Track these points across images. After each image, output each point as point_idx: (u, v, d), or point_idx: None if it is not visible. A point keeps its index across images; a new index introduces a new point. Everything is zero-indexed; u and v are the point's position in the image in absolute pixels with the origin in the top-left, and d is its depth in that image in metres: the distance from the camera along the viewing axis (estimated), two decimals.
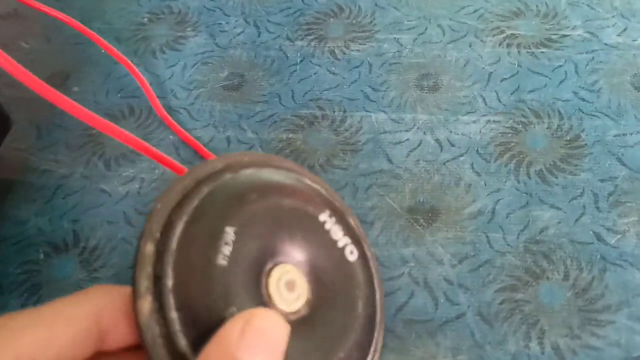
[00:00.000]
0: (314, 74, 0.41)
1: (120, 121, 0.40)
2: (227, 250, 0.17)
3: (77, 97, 0.43)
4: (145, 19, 0.47)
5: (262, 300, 0.17)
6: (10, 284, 0.34)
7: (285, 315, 0.17)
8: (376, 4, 0.45)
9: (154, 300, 0.16)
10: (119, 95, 0.42)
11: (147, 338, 0.16)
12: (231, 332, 0.16)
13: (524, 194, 0.33)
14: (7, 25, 0.49)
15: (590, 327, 0.28)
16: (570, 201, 0.33)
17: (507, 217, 0.32)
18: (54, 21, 0.44)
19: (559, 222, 0.32)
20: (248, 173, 0.19)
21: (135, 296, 0.17)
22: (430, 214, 0.33)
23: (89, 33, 0.43)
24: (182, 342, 0.16)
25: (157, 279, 0.17)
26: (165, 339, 0.16)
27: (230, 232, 0.17)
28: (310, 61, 0.42)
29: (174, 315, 0.16)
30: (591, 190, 0.33)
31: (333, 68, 0.41)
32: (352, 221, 0.20)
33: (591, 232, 0.31)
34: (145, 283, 0.17)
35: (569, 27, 0.41)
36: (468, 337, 0.29)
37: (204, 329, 0.16)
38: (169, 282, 0.16)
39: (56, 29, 0.47)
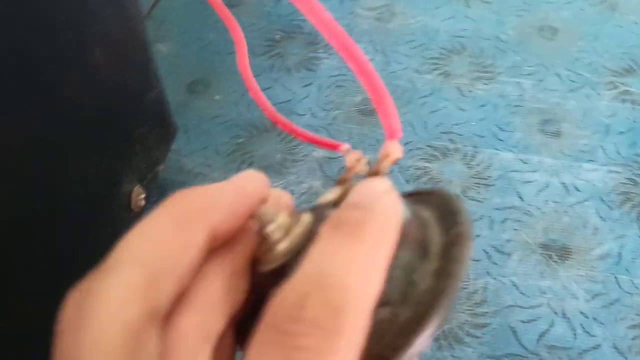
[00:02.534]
0: (444, 107, 0.45)
1: (263, 134, 0.44)
2: None
3: (219, 105, 0.46)
4: (278, 36, 0.50)
5: None
6: None
7: None
8: (497, 47, 0.48)
9: None
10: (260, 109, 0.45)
11: None
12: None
13: None
14: None
15: None
16: None
17: (632, 261, 0.37)
18: (190, 26, 0.47)
19: None
20: None
21: None
22: (562, 252, 0.37)
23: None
24: None
25: None
26: None
27: None
28: (439, 95, 0.46)
29: None
30: None
31: (461, 104, 0.45)
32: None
33: None
34: None
35: None
36: None
37: None
38: None
39: (192, 35, 0.50)
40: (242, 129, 0.44)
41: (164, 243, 0.17)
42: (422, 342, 0.16)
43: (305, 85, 0.47)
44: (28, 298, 0.26)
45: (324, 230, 0.16)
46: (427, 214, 0.19)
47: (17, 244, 0.24)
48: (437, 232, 0.18)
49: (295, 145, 0.43)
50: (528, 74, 0.47)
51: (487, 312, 0.35)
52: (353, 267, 0.15)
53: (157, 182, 0.39)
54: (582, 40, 0.49)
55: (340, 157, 0.42)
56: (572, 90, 0.45)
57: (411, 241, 0.18)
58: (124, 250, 0.17)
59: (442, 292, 0.16)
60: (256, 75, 0.47)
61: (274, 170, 0.42)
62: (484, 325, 0.35)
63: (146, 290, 0.16)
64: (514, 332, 0.34)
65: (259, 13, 0.52)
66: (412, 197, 0.20)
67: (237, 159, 0.43)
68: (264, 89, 0.46)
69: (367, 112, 0.45)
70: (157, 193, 0.40)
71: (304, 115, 0.45)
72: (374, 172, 0.19)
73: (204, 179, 0.42)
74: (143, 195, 0.36)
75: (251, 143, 0.44)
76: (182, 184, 0.42)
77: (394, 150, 0.21)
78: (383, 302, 0.17)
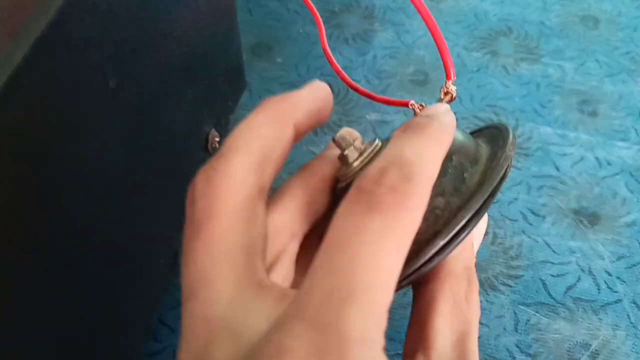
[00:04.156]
0: (489, 84, 0.48)
1: None
2: None
3: (280, 67, 0.50)
4: (337, 9, 0.54)
5: None
6: None
7: None
8: (541, 32, 0.52)
9: None
10: (319, 72, 0.49)
11: None
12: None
13: None
14: None
15: None
16: None
17: None
18: None
19: None
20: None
21: None
22: (592, 218, 0.41)
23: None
24: None
25: None
26: None
27: None
28: (486, 72, 0.49)
29: None
30: None
31: (505, 81, 0.48)
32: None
33: None
34: None
35: None
36: (625, 318, 0.37)
37: None
38: None
39: (257, 2, 0.54)
40: None
41: (265, 136, 0.22)
42: (470, 225, 0.21)
43: (361, 55, 0.50)
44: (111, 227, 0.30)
45: (397, 132, 0.22)
46: (482, 139, 0.24)
47: (105, 175, 0.28)
48: (487, 150, 0.23)
49: (350, 108, 0.47)
50: (570, 58, 0.50)
51: (520, 265, 0.39)
52: (420, 152, 0.21)
53: (228, 129, 0.43)
54: (621, 31, 0.52)
55: (391, 120, 0.46)
56: (610, 75, 0.49)
57: (465, 152, 0.23)
58: (237, 140, 0.22)
59: (485, 184, 0.22)
60: (315, 42, 0.50)
61: (330, 128, 0.46)
62: (517, 277, 0.38)
63: (257, 171, 0.22)
64: (544, 284, 0.38)
65: None
66: (475, 133, 0.26)
67: None
68: (322, 56, 0.50)
69: (418, 82, 0.48)
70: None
71: (359, 81, 0.49)
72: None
73: None
74: (218, 139, 0.40)
75: None
76: None
77: (452, 89, 0.27)
78: (438, 192, 0.22)
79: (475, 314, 0.24)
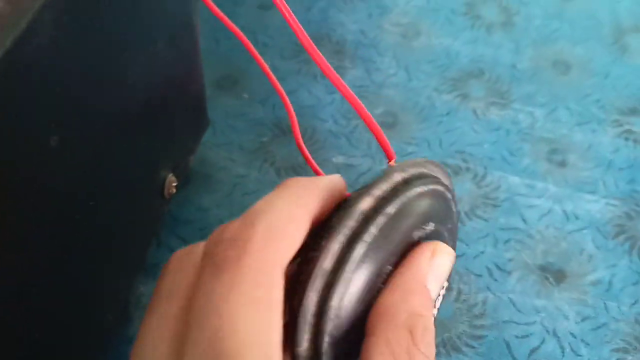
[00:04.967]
0: (459, 128, 0.47)
1: (287, 135, 0.46)
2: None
3: (247, 103, 0.48)
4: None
5: None
6: None
7: None
8: (513, 75, 0.51)
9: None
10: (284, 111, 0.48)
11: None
12: (423, 258, 0.23)
13: (635, 273, 0.40)
14: None
15: None
16: None
17: (621, 290, 0.39)
18: (220, 24, 0.49)
19: None
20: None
21: None
22: (558, 274, 0.40)
23: (253, 52, 0.49)
24: None
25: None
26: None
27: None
28: (456, 115, 0.48)
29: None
30: None
31: (475, 126, 0.48)
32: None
33: None
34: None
35: None
36: None
37: None
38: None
39: (225, 32, 0.53)
40: (267, 129, 0.47)
41: (288, 217, 0.21)
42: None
43: (330, 93, 0.49)
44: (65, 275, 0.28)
45: None
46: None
47: (62, 216, 0.26)
48: None
49: (316, 149, 0.45)
50: (540, 105, 0.49)
51: (484, 325, 0.38)
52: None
53: (187, 172, 0.41)
54: (592, 77, 0.51)
55: (358, 164, 0.45)
56: (580, 124, 0.48)
57: None
58: (264, 214, 0.21)
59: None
60: (283, 78, 0.49)
61: (294, 171, 0.44)
62: (481, 337, 0.37)
63: (282, 252, 0.20)
64: (508, 345, 0.37)
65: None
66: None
67: (260, 157, 0.45)
68: (289, 92, 0.48)
69: (387, 124, 0.47)
70: (184, 183, 0.43)
71: (327, 121, 0.47)
72: None
73: (228, 172, 0.44)
74: (175, 183, 0.38)
75: (275, 143, 0.46)
76: (207, 176, 0.44)
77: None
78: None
79: None
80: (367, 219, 0.23)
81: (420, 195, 0.24)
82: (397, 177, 0.24)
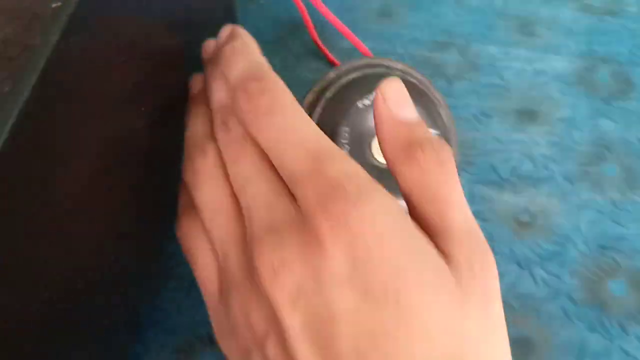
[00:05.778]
0: (444, 14, 0.56)
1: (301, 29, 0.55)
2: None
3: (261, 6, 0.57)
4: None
5: None
6: None
7: None
8: None
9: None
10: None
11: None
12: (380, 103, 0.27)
13: (592, 109, 0.50)
14: None
15: None
16: None
17: (581, 122, 0.49)
18: None
19: None
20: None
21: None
22: (531, 114, 0.50)
23: None
24: None
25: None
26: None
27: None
28: (440, 3, 0.57)
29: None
30: None
31: (457, 10, 0.57)
32: (443, 112, 0.38)
33: None
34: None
35: None
36: (557, 189, 0.46)
37: None
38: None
39: None
40: (284, 24, 0.56)
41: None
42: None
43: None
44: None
45: None
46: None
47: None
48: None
49: (325, 38, 0.54)
50: None
51: (474, 154, 0.48)
52: None
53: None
54: None
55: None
56: (546, 2, 0.57)
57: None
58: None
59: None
60: None
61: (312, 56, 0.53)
62: (473, 163, 0.47)
63: None
64: (493, 167, 0.47)
65: None
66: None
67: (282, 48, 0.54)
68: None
69: (385, 13, 0.56)
70: None
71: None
72: None
73: None
74: None
75: (291, 35, 0.55)
76: None
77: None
78: None
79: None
80: (313, 106, 0.36)
81: (354, 80, 0.37)
82: (331, 74, 0.37)
